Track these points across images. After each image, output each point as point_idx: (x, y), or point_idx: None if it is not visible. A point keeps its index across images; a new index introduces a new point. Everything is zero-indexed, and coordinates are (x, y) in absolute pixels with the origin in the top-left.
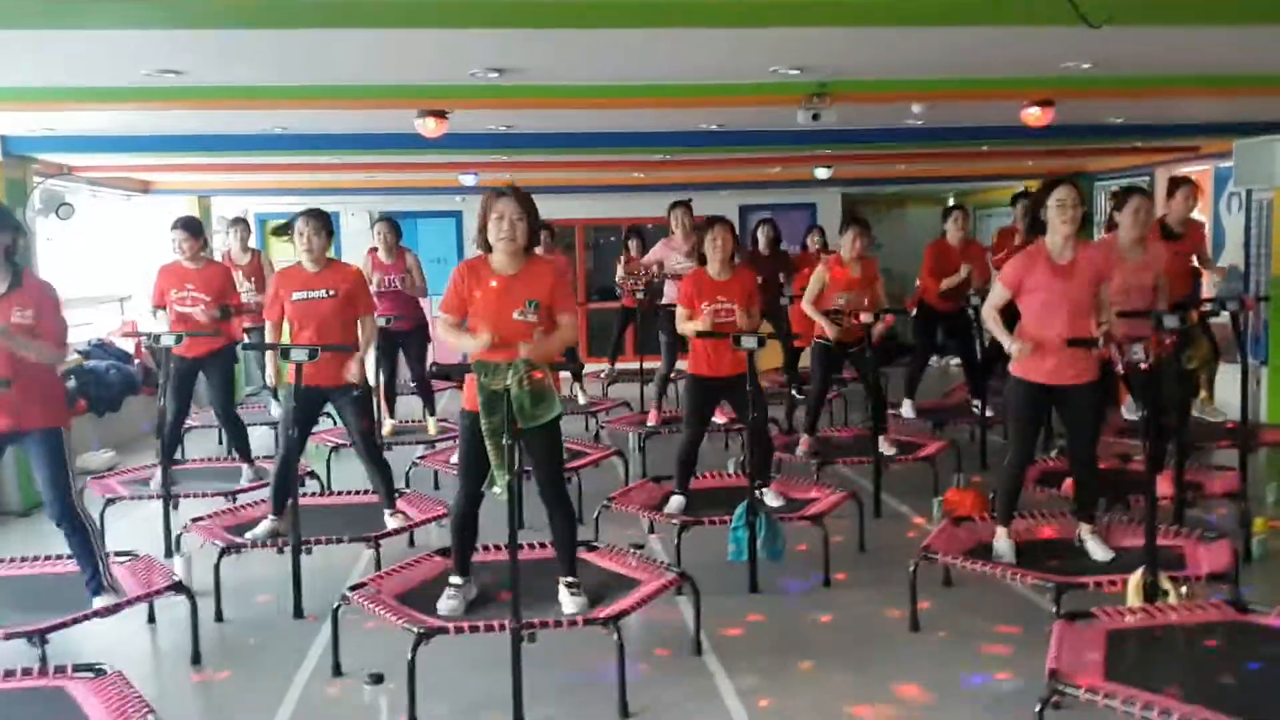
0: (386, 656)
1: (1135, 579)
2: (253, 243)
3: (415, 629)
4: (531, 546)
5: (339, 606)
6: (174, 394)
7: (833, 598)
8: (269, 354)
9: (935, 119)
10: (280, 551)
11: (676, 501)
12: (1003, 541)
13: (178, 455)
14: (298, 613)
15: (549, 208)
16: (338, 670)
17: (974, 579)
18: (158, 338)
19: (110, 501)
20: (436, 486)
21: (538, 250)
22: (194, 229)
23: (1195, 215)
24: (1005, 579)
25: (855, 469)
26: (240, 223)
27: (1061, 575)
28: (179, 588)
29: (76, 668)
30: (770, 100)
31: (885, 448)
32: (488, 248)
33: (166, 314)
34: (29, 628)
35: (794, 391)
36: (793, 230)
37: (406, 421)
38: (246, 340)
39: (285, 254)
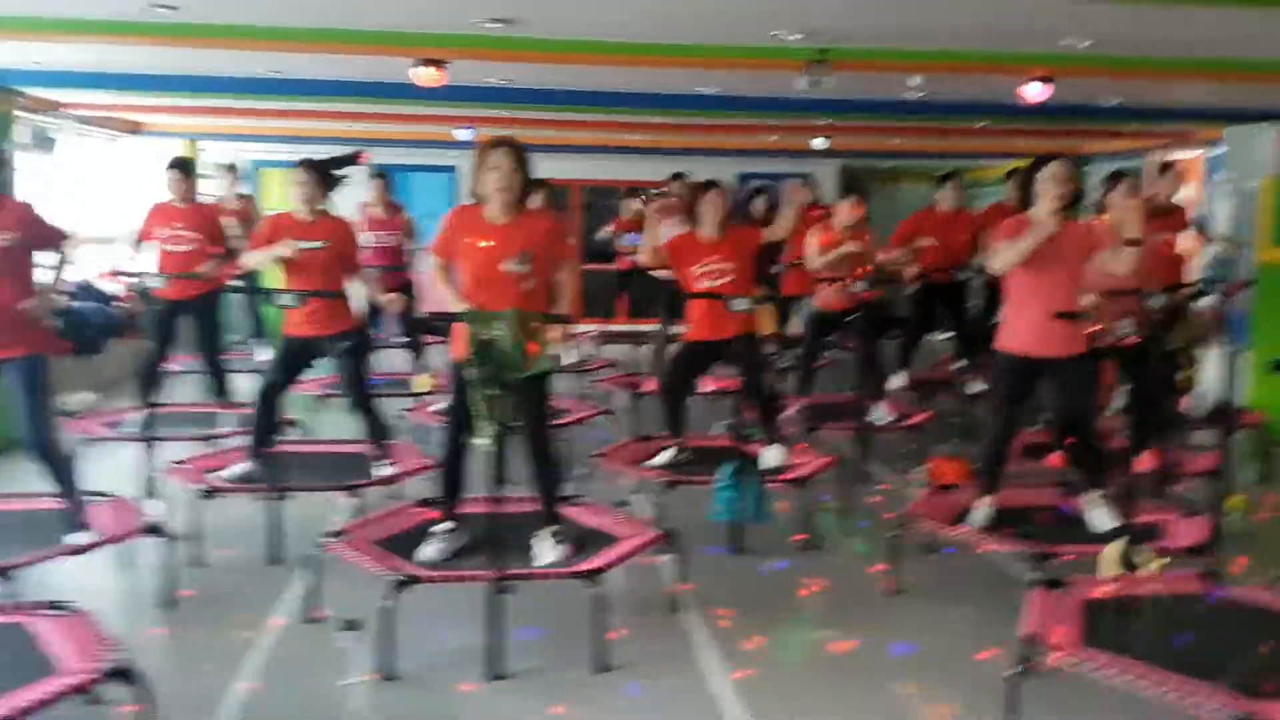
0: (364, 605)
1: (1112, 550)
2: (243, 189)
3: (393, 577)
4: (516, 500)
5: (317, 553)
6: (155, 334)
7: (815, 560)
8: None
9: (933, 92)
10: (260, 497)
11: (668, 454)
12: (981, 510)
13: (160, 399)
14: (276, 559)
15: (546, 166)
16: (314, 617)
17: (956, 545)
18: (143, 279)
19: (89, 443)
20: (423, 439)
21: (533, 205)
22: (188, 169)
23: (1179, 200)
24: (987, 547)
25: (842, 435)
26: (230, 168)
27: (1042, 544)
28: (156, 530)
29: (44, 605)
30: (771, 65)
31: (883, 413)
32: (478, 201)
33: (145, 246)
34: None
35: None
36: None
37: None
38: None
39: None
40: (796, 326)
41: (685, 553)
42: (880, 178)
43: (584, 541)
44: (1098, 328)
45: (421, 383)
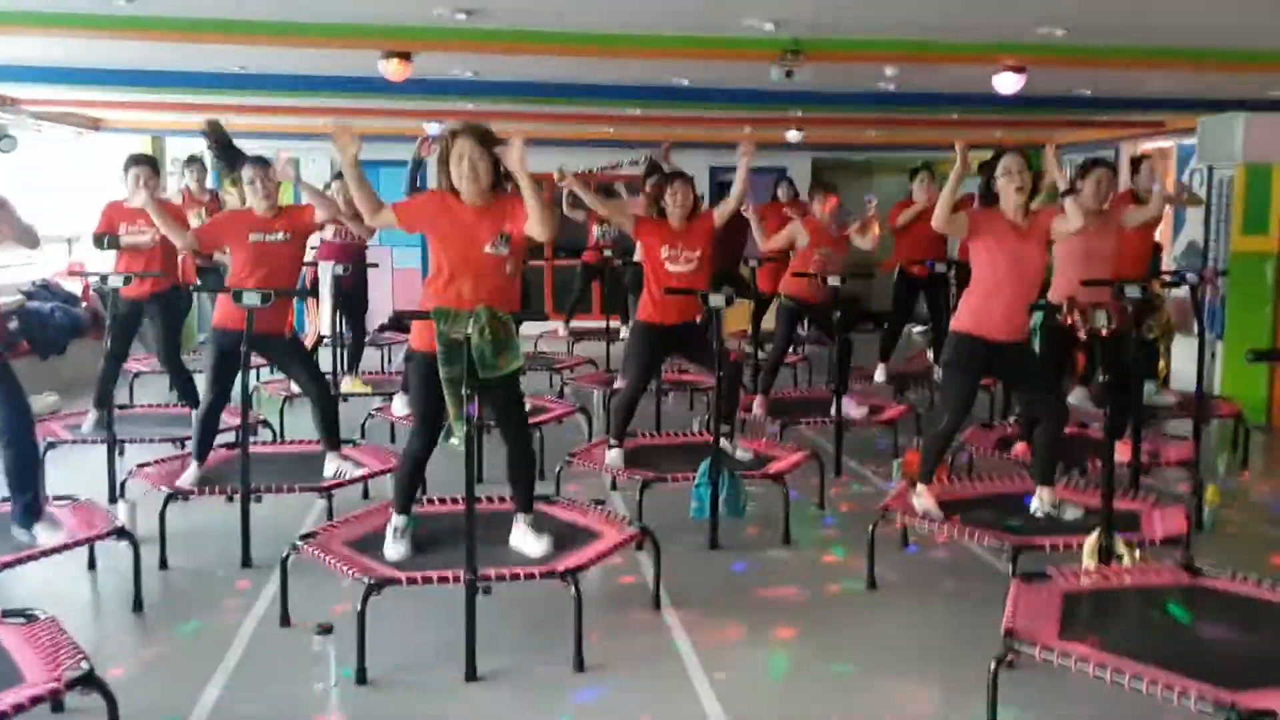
0: (337, 607)
1: (1091, 541)
2: (209, 183)
3: (366, 579)
4: (490, 500)
5: (288, 556)
6: (115, 334)
7: (791, 555)
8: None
9: (908, 83)
10: (229, 500)
11: (615, 455)
12: (926, 498)
13: (126, 400)
14: (246, 562)
15: None
16: (286, 621)
17: (931, 539)
18: (105, 278)
19: (51, 445)
20: (393, 439)
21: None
22: (155, 165)
23: (1156, 189)
24: (962, 539)
25: (817, 430)
26: (195, 161)
27: (1018, 536)
28: (121, 533)
29: (7, 613)
30: (743, 55)
31: (853, 410)
32: (452, 190)
33: (112, 242)
34: None
35: (758, 352)
36: (762, 194)
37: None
38: (199, 283)
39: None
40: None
41: (662, 550)
42: (854, 170)
43: (561, 540)
44: (1072, 318)
45: (354, 384)
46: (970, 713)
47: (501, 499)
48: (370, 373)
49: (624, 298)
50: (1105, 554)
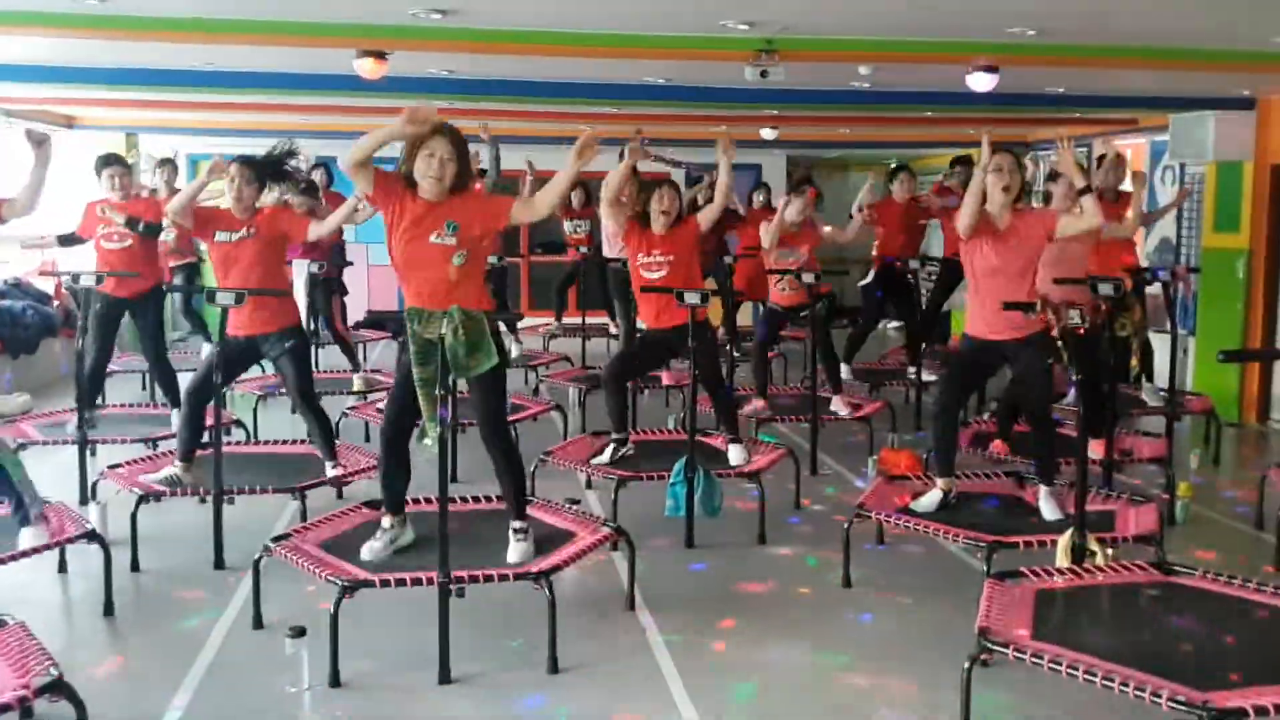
0: (309, 610)
1: (1064, 540)
2: (181, 183)
3: (339, 581)
4: (464, 500)
5: (261, 558)
6: (97, 335)
7: (767, 554)
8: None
9: (882, 82)
10: (202, 501)
11: (611, 451)
12: (933, 495)
13: (98, 400)
14: (218, 564)
15: None
16: (258, 623)
17: (907, 537)
18: (77, 277)
19: (22, 446)
20: (367, 439)
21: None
22: (126, 164)
23: (1126, 187)
24: (937, 537)
25: (792, 427)
26: (168, 163)
27: (992, 534)
28: (92, 536)
29: None
30: (719, 55)
31: (840, 407)
32: (412, 183)
33: (84, 240)
34: None
35: (733, 350)
36: (741, 192)
37: (331, 373)
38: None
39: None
40: (746, 319)
41: (637, 548)
42: (829, 166)
43: (536, 541)
44: (1045, 317)
45: (361, 382)
46: (947, 710)
47: (476, 499)
48: (371, 370)
49: (608, 297)
50: (1078, 552)
